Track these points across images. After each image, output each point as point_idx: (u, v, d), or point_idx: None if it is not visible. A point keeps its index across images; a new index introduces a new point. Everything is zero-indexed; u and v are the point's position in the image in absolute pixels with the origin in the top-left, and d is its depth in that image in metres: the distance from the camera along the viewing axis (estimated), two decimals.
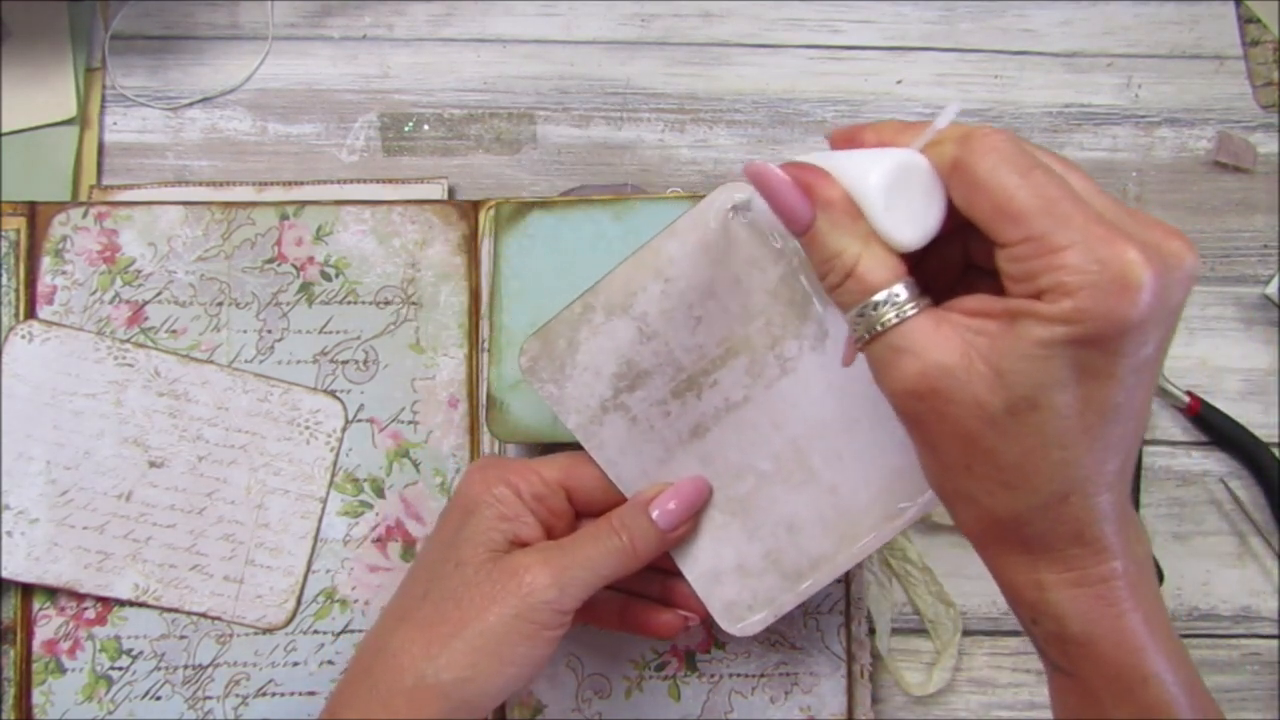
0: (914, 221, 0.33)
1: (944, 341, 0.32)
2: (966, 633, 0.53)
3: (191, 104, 0.57)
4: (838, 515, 0.43)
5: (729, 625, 0.44)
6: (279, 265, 0.52)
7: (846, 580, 0.51)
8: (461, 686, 0.39)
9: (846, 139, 0.36)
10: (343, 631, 0.51)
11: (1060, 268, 0.29)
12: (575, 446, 0.46)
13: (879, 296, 0.32)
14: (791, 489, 0.43)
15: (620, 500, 0.44)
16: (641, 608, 0.46)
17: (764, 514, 0.43)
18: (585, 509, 0.45)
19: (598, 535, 0.42)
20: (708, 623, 0.45)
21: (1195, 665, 0.34)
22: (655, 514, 0.42)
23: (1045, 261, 0.30)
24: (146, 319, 0.52)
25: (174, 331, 0.52)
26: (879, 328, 0.32)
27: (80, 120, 0.56)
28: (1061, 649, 0.33)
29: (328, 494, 0.51)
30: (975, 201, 0.32)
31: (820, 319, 0.42)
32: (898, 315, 0.32)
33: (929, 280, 0.35)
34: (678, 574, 0.44)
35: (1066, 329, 0.29)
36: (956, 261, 0.37)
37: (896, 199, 0.33)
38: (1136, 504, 0.54)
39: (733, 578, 0.44)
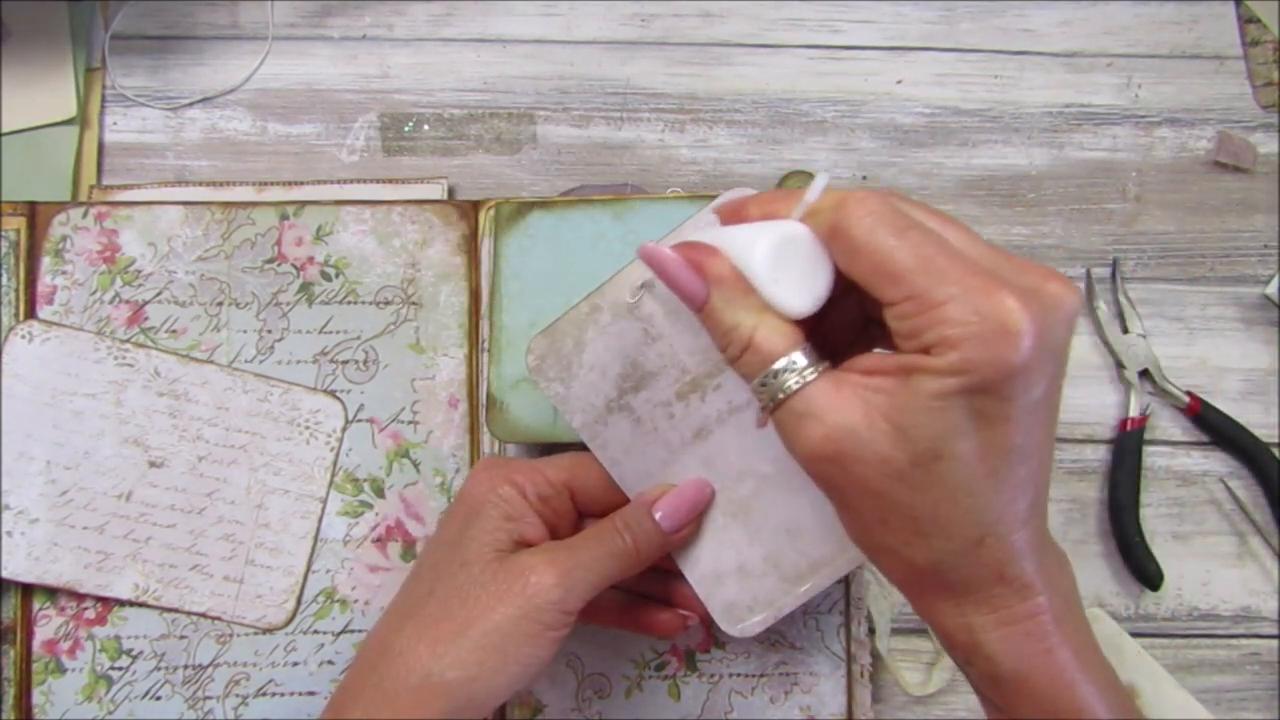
0: (802, 289, 0.34)
1: (844, 403, 0.33)
2: None
3: (191, 104, 0.57)
4: (837, 519, 0.43)
5: (729, 626, 0.44)
6: (279, 265, 0.52)
7: (846, 580, 0.51)
8: (467, 685, 0.39)
9: (733, 213, 0.37)
10: (343, 631, 0.51)
11: (942, 321, 0.31)
12: (574, 447, 0.46)
13: (778, 365, 0.34)
14: (792, 492, 0.43)
15: (623, 501, 0.44)
16: (643, 607, 0.46)
17: (765, 517, 0.43)
18: (588, 509, 0.45)
19: (602, 536, 0.42)
20: (707, 623, 0.45)
21: (1126, 693, 0.35)
22: (658, 515, 0.42)
23: (928, 317, 0.31)
24: (146, 319, 0.52)
25: (174, 331, 0.52)
26: (781, 395, 0.34)
27: (80, 120, 0.56)
28: (996, 689, 0.34)
29: (328, 494, 0.51)
30: (856, 264, 0.33)
31: None
32: (799, 381, 0.33)
33: (832, 339, 0.37)
34: (679, 574, 0.44)
35: (956, 380, 0.31)
36: (856, 318, 0.38)
37: (782, 269, 0.34)
38: (1136, 504, 0.54)
39: (733, 579, 0.44)
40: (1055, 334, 0.31)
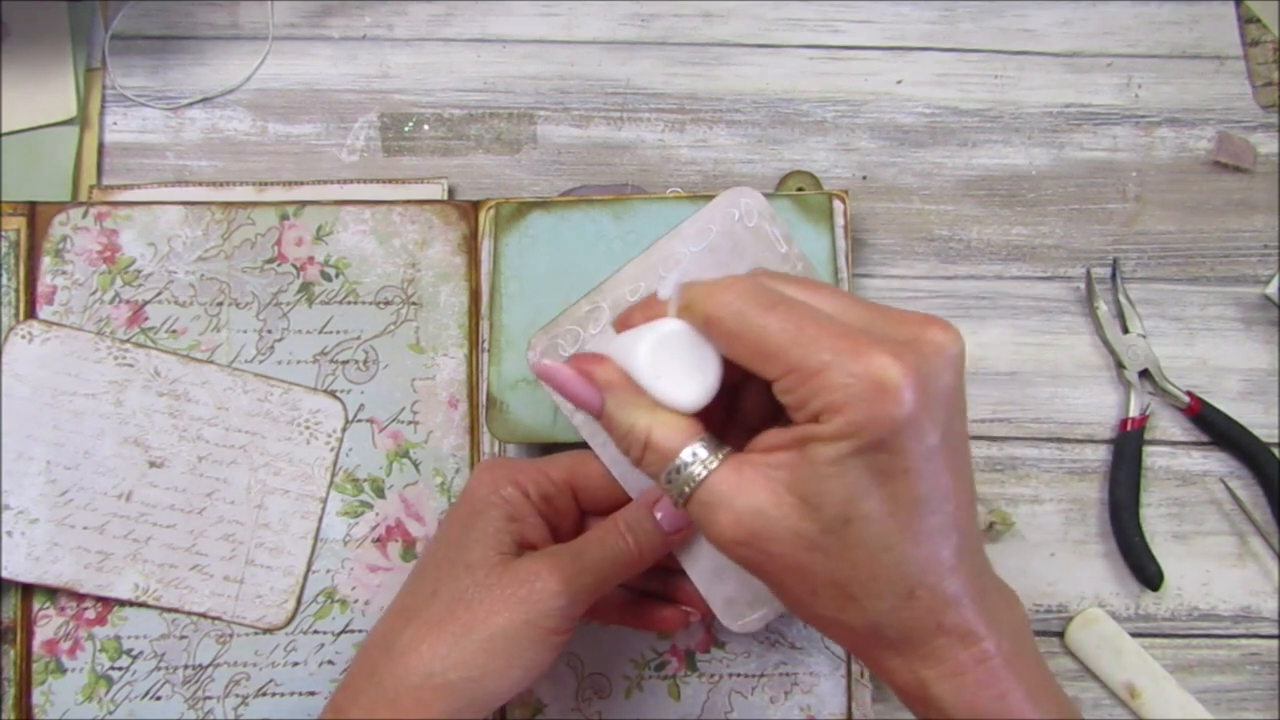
0: (690, 382, 0.35)
1: (749, 485, 0.33)
2: None
3: (191, 104, 0.57)
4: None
5: (730, 622, 0.44)
6: (279, 265, 0.52)
7: None
8: (468, 686, 0.39)
9: (623, 323, 0.38)
10: (343, 631, 0.51)
11: (823, 389, 0.31)
12: (573, 446, 0.46)
13: (680, 459, 0.34)
14: None
15: (625, 499, 0.44)
16: (645, 603, 0.46)
17: None
18: (592, 507, 0.45)
19: (604, 539, 0.42)
20: (708, 621, 0.45)
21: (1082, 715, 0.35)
22: (659, 516, 0.42)
23: (809, 388, 0.32)
24: (146, 319, 0.52)
25: (174, 331, 0.52)
26: (687, 488, 0.34)
27: (80, 120, 0.56)
28: None
29: (328, 494, 0.51)
30: (735, 348, 0.34)
31: None
32: (702, 470, 0.34)
33: (750, 424, 0.37)
34: (680, 571, 0.44)
35: (848, 443, 0.31)
36: (768, 399, 0.38)
37: (666, 366, 0.35)
38: (1136, 504, 0.54)
39: (733, 575, 0.44)
40: (939, 380, 0.32)
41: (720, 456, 0.34)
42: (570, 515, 0.45)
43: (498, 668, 0.39)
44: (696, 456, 0.34)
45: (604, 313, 0.44)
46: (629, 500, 0.44)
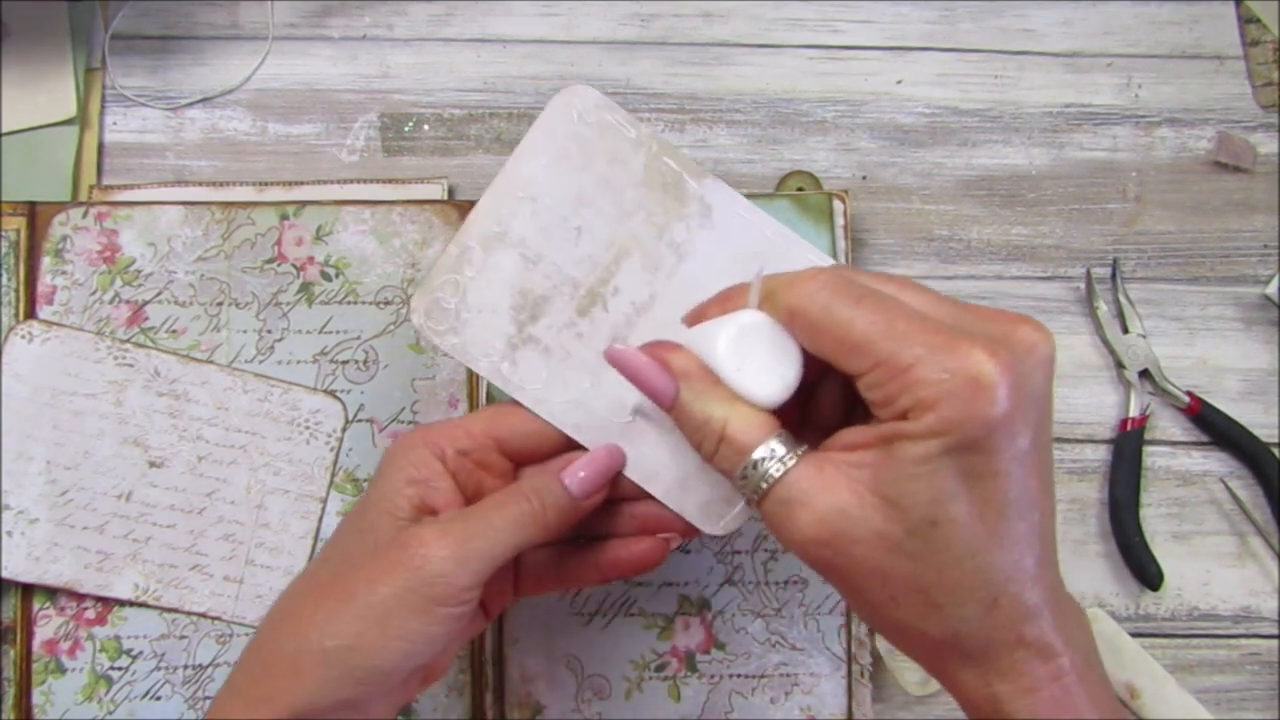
0: (770, 377, 0.34)
1: (830, 484, 0.32)
2: None
3: (191, 104, 0.57)
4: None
5: (711, 527, 0.42)
6: (279, 265, 0.52)
7: None
8: (345, 655, 0.36)
9: (697, 316, 0.37)
10: None
11: (914, 384, 0.30)
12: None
13: (756, 455, 0.33)
14: None
15: (559, 441, 0.42)
16: (604, 550, 0.43)
17: None
18: (523, 458, 0.42)
19: (504, 502, 0.39)
20: (687, 534, 0.42)
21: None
22: (567, 481, 0.40)
23: (899, 383, 0.31)
24: (146, 319, 0.52)
25: (174, 331, 0.52)
26: (764, 485, 0.33)
27: (80, 120, 0.56)
28: None
29: (328, 494, 0.51)
30: (819, 341, 0.33)
31: (699, 194, 0.41)
32: (779, 468, 0.33)
33: (823, 423, 0.36)
34: (637, 499, 0.42)
35: (938, 441, 0.30)
36: (842, 398, 0.37)
37: (747, 359, 0.34)
38: (1136, 504, 0.54)
39: (700, 479, 0.41)
40: (1032, 380, 0.31)
41: (799, 454, 0.33)
42: (498, 468, 0.41)
43: (376, 639, 0.36)
44: (774, 453, 0.33)
45: (475, 252, 0.42)
46: (564, 443, 0.41)
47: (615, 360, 0.37)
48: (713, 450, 0.35)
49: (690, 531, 0.42)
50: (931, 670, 0.34)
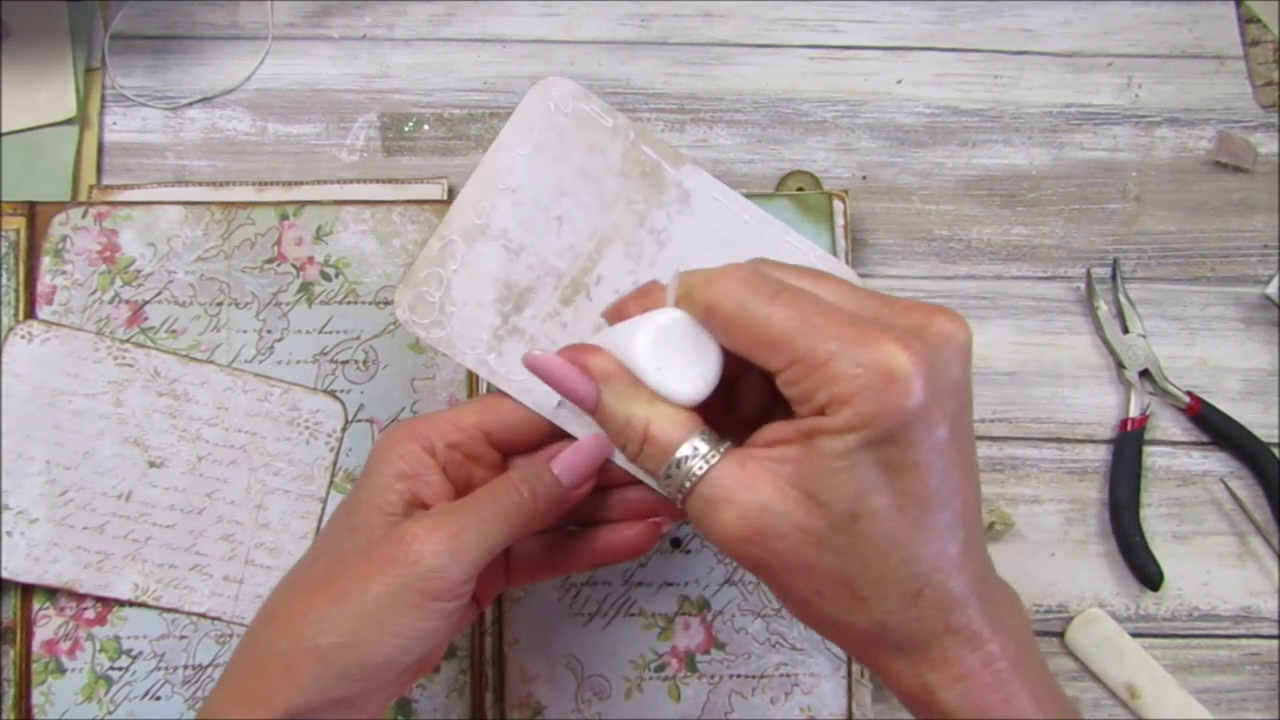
0: (690, 375, 0.35)
1: (753, 480, 0.32)
2: None
3: (191, 104, 0.57)
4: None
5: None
6: (279, 265, 0.52)
7: None
8: (341, 653, 0.36)
9: (616, 313, 0.37)
10: None
11: (829, 379, 0.30)
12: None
13: (679, 453, 0.33)
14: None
15: (547, 430, 0.42)
16: (600, 534, 0.43)
17: None
18: (512, 448, 0.42)
19: (494, 494, 0.39)
20: (678, 517, 0.42)
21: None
22: (557, 470, 0.40)
23: (815, 378, 0.31)
24: (146, 319, 0.52)
25: (174, 331, 0.52)
26: (688, 483, 0.33)
27: (80, 120, 0.56)
28: None
29: (327, 494, 0.51)
30: (736, 339, 0.33)
31: (677, 181, 0.42)
32: (702, 465, 0.33)
33: (747, 419, 0.36)
34: (626, 485, 0.42)
35: (856, 435, 0.30)
36: (766, 393, 0.37)
37: (666, 358, 0.34)
38: (1136, 504, 0.54)
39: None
40: (947, 371, 0.31)
41: (721, 451, 0.33)
42: (487, 460, 0.41)
43: (371, 635, 0.36)
44: (697, 451, 0.33)
45: (457, 245, 0.42)
46: (552, 433, 0.41)
47: (533, 366, 0.37)
48: (636, 450, 0.35)
49: (679, 514, 0.41)
50: (863, 661, 0.35)
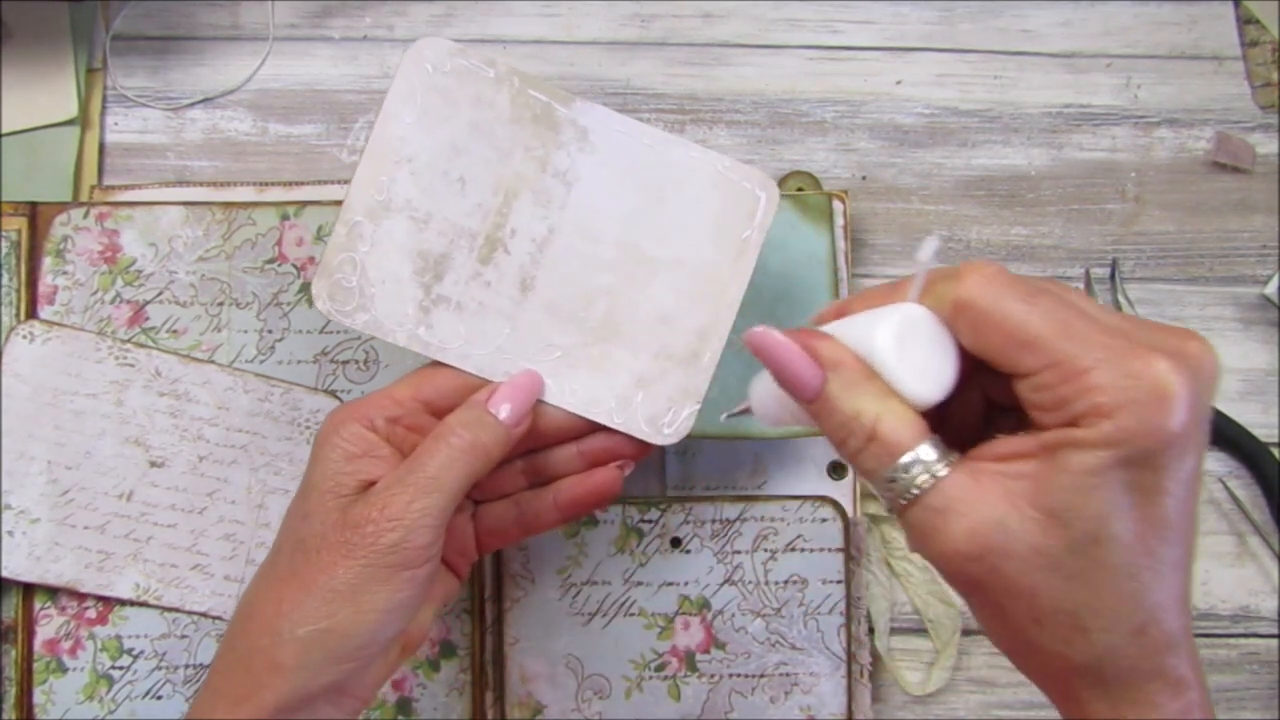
0: (929, 376, 0.32)
1: (987, 494, 0.30)
2: (966, 632, 0.54)
3: (192, 104, 0.57)
4: (695, 282, 0.42)
5: (662, 438, 0.42)
6: (280, 265, 0.53)
7: (846, 580, 0.51)
8: (321, 638, 0.37)
9: (837, 312, 0.35)
10: None
11: (1091, 389, 0.28)
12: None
13: (906, 459, 0.31)
14: (640, 286, 0.42)
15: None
16: (566, 487, 0.43)
17: (631, 323, 0.42)
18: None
19: (434, 449, 0.39)
20: (640, 455, 0.43)
21: None
22: (493, 407, 0.40)
23: (1074, 386, 0.29)
24: (147, 319, 0.52)
25: (175, 331, 0.52)
26: (914, 492, 0.31)
27: (81, 121, 0.56)
28: None
29: None
30: (986, 337, 0.31)
31: (571, 119, 0.41)
32: (929, 477, 0.31)
33: (954, 432, 0.33)
34: (582, 436, 0.42)
35: (1112, 451, 0.28)
36: (976, 408, 0.35)
37: (908, 354, 0.32)
38: None
39: (639, 395, 0.42)
40: (1205, 399, 0.29)
41: (951, 460, 0.31)
42: (431, 430, 0.41)
43: (349, 615, 0.37)
44: (926, 458, 0.31)
45: (364, 226, 0.42)
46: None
47: (755, 345, 0.33)
48: (859, 448, 0.32)
49: (641, 451, 0.42)
50: (1055, 697, 0.33)
